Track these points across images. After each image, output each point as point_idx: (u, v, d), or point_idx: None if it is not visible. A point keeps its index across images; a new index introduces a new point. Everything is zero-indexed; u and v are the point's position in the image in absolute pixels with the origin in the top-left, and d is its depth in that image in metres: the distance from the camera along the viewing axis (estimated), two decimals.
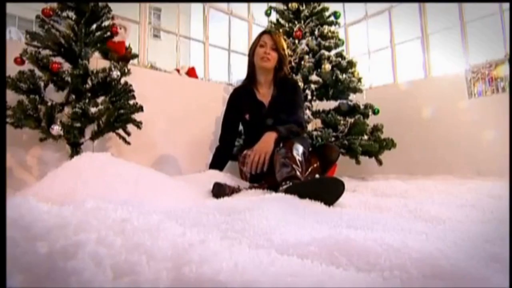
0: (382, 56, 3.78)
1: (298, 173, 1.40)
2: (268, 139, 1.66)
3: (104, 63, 1.99)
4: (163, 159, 2.50)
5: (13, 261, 0.34)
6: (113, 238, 0.39)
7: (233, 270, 0.37)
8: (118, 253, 0.37)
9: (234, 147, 2.13)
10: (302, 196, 1.13)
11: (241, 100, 2.02)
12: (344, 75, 2.57)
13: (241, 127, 2.18)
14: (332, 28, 2.82)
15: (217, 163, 2.02)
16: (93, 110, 1.70)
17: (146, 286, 0.34)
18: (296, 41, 2.73)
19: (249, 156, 1.73)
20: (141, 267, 0.35)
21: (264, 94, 2.00)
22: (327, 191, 1.15)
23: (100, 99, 1.81)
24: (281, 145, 1.59)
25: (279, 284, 0.37)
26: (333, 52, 2.72)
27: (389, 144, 2.61)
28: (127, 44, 2.31)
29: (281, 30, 2.83)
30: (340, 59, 2.66)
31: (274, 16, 2.99)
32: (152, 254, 0.38)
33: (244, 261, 0.41)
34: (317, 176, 1.78)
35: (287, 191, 1.21)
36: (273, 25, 2.93)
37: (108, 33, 1.90)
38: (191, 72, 2.97)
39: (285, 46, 1.99)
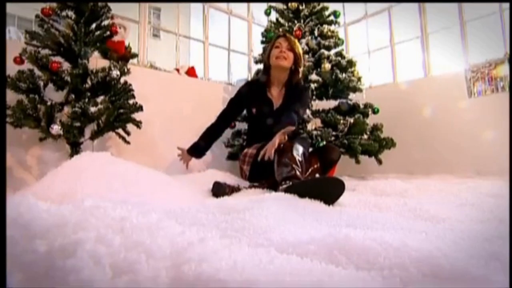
0: (382, 55, 3.78)
1: (298, 172, 1.40)
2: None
3: (104, 63, 1.99)
4: (162, 158, 2.50)
5: (12, 260, 0.34)
6: (112, 237, 0.39)
7: (233, 268, 0.37)
8: (117, 252, 0.37)
9: (223, 132, 2.14)
10: (301, 195, 1.13)
11: (251, 93, 2.02)
12: (343, 75, 2.57)
13: (244, 126, 2.18)
14: (332, 27, 2.82)
15: (202, 145, 2.05)
16: (92, 109, 1.70)
17: (145, 284, 0.34)
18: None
19: (250, 155, 1.77)
20: (140, 265, 0.35)
21: (275, 94, 1.99)
22: (327, 191, 1.15)
23: (100, 99, 1.81)
24: (281, 145, 1.59)
25: (278, 282, 0.37)
26: (332, 52, 2.72)
27: (389, 143, 2.61)
28: (126, 43, 2.31)
29: (280, 30, 2.83)
30: (339, 58, 2.66)
31: (274, 16, 2.99)
32: (151, 252, 0.38)
33: (244, 259, 0.41)
34: (317, 176, 1.78)
35: (286, 190, 1.21)
36: (273, 25, 2.93)
37: (108, 33, 1.90)
38: (191, 72, 2.97)
39: (300, 49, 1.99)
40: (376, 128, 2.65)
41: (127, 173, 1.19)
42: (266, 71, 2.02)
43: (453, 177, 2.52)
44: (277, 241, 0.62)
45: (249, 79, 3.36)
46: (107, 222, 0.43)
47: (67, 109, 1.75)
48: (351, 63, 2.67)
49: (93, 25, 1.88)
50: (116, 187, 1.07)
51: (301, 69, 2.01)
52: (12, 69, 1.66)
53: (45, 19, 1.74)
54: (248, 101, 2.01)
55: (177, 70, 2.90)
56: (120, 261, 0.36)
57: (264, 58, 2.06)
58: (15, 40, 2.72)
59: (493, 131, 2.76)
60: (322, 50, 2.63)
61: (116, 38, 2.03)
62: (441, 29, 3.41)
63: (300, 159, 1.49)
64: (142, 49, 2.77)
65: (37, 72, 1.71)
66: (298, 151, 1.52)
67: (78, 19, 1.80)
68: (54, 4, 1.77)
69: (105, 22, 1.92)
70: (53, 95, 1.77)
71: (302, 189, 1.17)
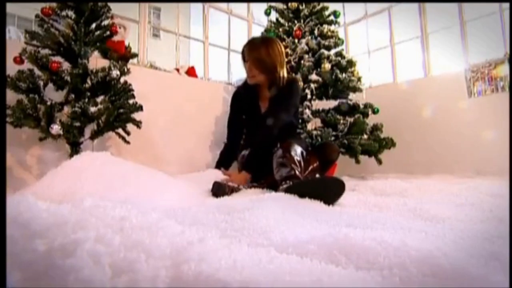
0: (382, 55, 3.78)
1: (297, 172, 1.40)
2: (241, 178, 1.63)
3: (104, 63, 1.99)
4: (162, 158, 2.50)
5: (11, 259, 0.34)
6: (112, 236, 0.39)
7: (232, 268, 0.37)
8: (117, 251, 0.37)
9: (239, 144, 2.04)
10: (302, 195, 1.13)
11: (241, 100, 2.02)
12: (343, 75, 2.57)
13: None
14: (332, 27, 2.82)
15: (223, 160, 2.00)
16: (92, 109, 1.70)
17: (145, 284, 0.34)
18: (296, 41, 2.73)
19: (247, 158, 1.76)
20: (139, 265, 0.35)
21: (263, 96, 1.97)
22: (327, 191, 1.15)
23: (100, 99, 1.81)
24: (278, 145, 1.59)
25: (278, 282, 0.37)
26: (332, 52, 2.72)
27: (389, 143, 2.61)
28: (126, 43, 2.31)
29: (280, 30, 2.83)
30: (339, 58, 2.66)
31: (274, 16, 2.99)
32: (150, 252, 0.38)
33: (243, 259, 0.41)
34: (317, 175, 1.78)
35: (287, 190, 1.21)
36: (273, 25, 2.93)
37: (108, 32, 1.90)
38: (191, 72, 2.96)
39: (269, 56, 1.81)
40: (376, 128, 2.65)
41: (127, 173, 1.19)
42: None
43: (453, 177, 2.52)
44: (277, 241, 0.62)
45: None
46: (107, 221, 0.43)
47: (67, 109, 1.75)
48: (351, 63, 2.68)
49: (93, 25, 1.88)
50: (116, 187, 1.07)
51: (281, 72, 1.86)
52: (12, 69, 1.66)
53: (45, 19, 1.74)
54: (240, 106, 2.01)
55: (177, 70, 2.90)
56: (120, 260, 0.36)
57: None
58: (15, 40, 2.72)
59: (493, 131, 2.76)
60: (322, 50, 2.63)
61: (116, 38, 2.03)
62: (441, 29, 3.41)
63: (298, 158, 1.49)
64: (142, 49, 2.77)
65: (37, 72, 1.71)
66: (296, 150, 1.52)
67: (78, 19, 1.80)
68: (54, 4, 1.77)
69: (105, 22, 1.92)
70: (53, 95, 1.77)
71: (302, 189, 1.17)
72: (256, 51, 1.82)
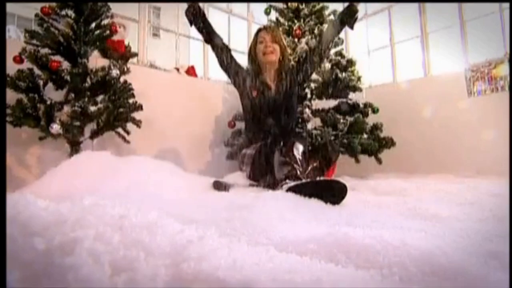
0: (382, 55, 3.78)
1: (298, 172, 1.40)
2: None
3: (104, 62, 1.99)
4: (162, 157, 2.50)
5: (10, 257, 0.34)
6: (111, 235, 0.39)
7: (232, 266, 0.37)
8: (116, 250, 0.37)
9: (220, 41, 2.04)
10: (302, 195, 1.13)
11: (250, 76, 1.99)
12: (343, 74, 2.57)
13: (242, 126, 2.18)
14: None
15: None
16: (92, 108, 1.70)
17: (144, 282, 0.33)
18: (296, 40, 2.73)
19: (248, 156, 1.75)
20: (139, 263, 0.35)
21: (269, 83, 1.98)
22: (330, 194, 1.14)
23: (100, 98, 1.81)
24: (281, 144, 1.59)
25: (278, 281, 0.37)
26: (332, 51, 2.72)
27: (389, 143, 2.61)
28: (126, 42, 2.30)
29: (280, 29, 2.82)
30: (339, 57, 2.66)
31: (273, 15, 2.99)
32: (150, 250, 0.38)
33: (243, 258, 0.41)
34: (319, 178, 1.77)
35: (288, 190, 1.21)
36: (272, 24, 2.93)
37: (107, 32, 1.90)
38: (191, 71, 2.96)
39: (283, 38, 2.02)
40: (376, 127, 2.65)
41: (126, 171, 1.19)
42: (254, 66, 2.01)
43: (453, 176, 2.52)
44: (277, 240, 0.62)
45: None
46: (106, 220, 0.43)
47: (66, 108, 1.75)
48: (351, 63, 2.67)
49: (93, 24, 1.88)
50: (115, 185, 1.07)
51: (290, 58, 2.02)
52: (11, 68, 1.65)
53: (44, 18, 1.73)
54: (247, 81, 1.98)
55: (177, 69, 2.90)
56: (119, 259, 0.36)
57: (252, 54, 2.02)
58: (15, 39, 2.72)
59: (493, 131, 2.76)
60: None
61: (115, 37, 2.03)
62: (441, 29, 3.41)
63: (300, 158, 1.49)
64: (142, 48, 2.76)
65: (37, 71, 1.71)
66: (299, 150, 1.53)
67: (78, 18, 1.79)
68: (53, 3, 1.77)
69: (105, 21, 1.92)
70: (52, 94, 1.77)
71: (304, 190, 1.16)
72: (276, 32, 2.01)
